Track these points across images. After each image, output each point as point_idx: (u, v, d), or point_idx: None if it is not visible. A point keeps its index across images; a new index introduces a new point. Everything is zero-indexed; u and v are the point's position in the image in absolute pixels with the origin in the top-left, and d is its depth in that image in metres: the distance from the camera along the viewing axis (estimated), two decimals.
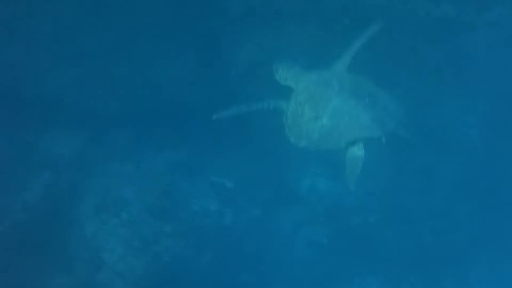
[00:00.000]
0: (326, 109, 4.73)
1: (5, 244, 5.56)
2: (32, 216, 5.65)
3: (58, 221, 5.65)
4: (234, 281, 5.67)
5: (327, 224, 5.74)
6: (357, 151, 4.83)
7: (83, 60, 5.73)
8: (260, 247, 5.74)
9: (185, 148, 5.86)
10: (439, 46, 5.86)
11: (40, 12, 5.77)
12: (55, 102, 5.74)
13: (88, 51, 5.75)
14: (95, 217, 5.68)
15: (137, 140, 5.83)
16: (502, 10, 5.75)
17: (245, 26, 5.91)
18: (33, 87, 5.83)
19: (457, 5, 5.74)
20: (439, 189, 5.76)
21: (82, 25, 5.75)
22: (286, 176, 5.80)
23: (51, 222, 5.63)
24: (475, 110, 5.84)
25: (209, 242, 5.73)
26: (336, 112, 4.73)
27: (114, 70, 5.79)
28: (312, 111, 4.77)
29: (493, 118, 5.82)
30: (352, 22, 5.79)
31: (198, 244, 5.73)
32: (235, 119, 5.68)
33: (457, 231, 5.67)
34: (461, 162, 5.75)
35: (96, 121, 5.80)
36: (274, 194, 5.80)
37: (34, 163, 5.77)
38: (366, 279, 5.79)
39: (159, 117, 5.82)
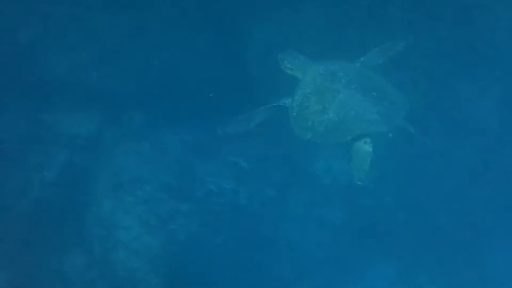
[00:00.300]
0: (333, 102, 4.70)
1: (22, 222, 5.63)
2: (49, 195, 5.71)
3: (75, 199, 5.71)
4: (248, 261, 5.71)
5: (341, 205, 5.75)
6: (364, 145, 4.80)
7: (100, 40, 5.78)
8: (274, 228, 5.77)
9: (201, 129, 5.87)
10: (457, 29, 5.82)
11: None
12: (72, 82, 5.78)
13: (105, 31, 5.79)
14: (111, 196, 5.73)
15: (153, 121, 5.86)
16: None
17: (262, 7, 5.92)
18: (50, 67, 5.88)
19: None
20: (455, 173, 5.75)
21: (100, 5, 5.78)
22: (301, 157, 5.81)
23: (68, 200, 5.69)
24: (493, 93, 5.80)
25: (224, 222, 5.77)
26: (343, 105, 4.70)
27: (131, 51, 5.83)
28: (318, 104, 4.73)
29: (511, 101, 5.76)
30: (370, 2, 5.76)
31: (213, 223, 5.77)
32: (251, 100, 5.72)
33: (472, 214, 5.67)
34: (477, 146, 5.73)
35: (113, 101, 5.84)
36: (288, 175, 5.83)
37: (51, 142, 5.81)
38: (380, 261, 5.80)
39: (175, 98, 5.85)
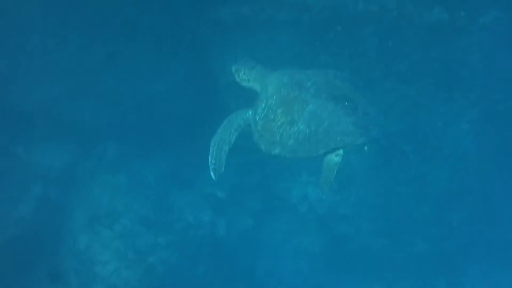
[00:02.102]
0: (302, 113, 4.25)
1: None
2: (24, 229, 5.68)
3: (51, 234, 5.68)
4: None
5: (319, 233, 5.77)
6: (335, 157, 4.37)
7: (72, 73, 5.68)
8: (252, 257, 5.78)
9: (176, 159, 5.86)
10: (432, 52, 5.75)
11: (30, 25, 5.66)
12: (45, 115, 5.72)
13: (77, 64, 5.69)
14: (87, 230, 5.70)
15: (128, 152, 5.84)
16: (496, 14, 5.63)
17: (236, 35, 5.81)
18: (22, 99, 5.79)
19: (450, 10, 5.63)
20: (432, 197, 5.76)
21: (72, 38, 5.67)
22: (277, 185, 5.78)
23: (44, 235, 5.67)
24: (469, 116, 5.76)
25: (203, 254, 5.78)
26: (314, 116, 4.25)
27: (103, 82, 5.75)
28: (286, 116, 4.27)
29: (487, 125, 5.75)
30: (344, 29, 5.68)
31: (193, 256, 5.78)
32: None
33: (449, 239, 5.69)
34: (454, 170, 5.73)
35: (86, 133, 5.79)
36: (266, 204, 5.82)
37: (25, 176, 5.77)
38: (359, 286, 5.80)
39: (149, 129, 5.80)
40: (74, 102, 5.76)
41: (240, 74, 4.65)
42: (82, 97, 5.77)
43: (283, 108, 4.25)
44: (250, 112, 4.51)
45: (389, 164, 5.74)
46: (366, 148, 4.38)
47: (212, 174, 4.30)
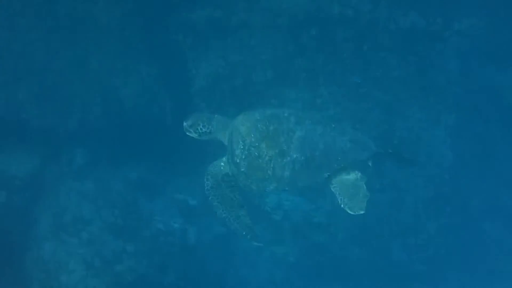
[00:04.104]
0: (291, 142, 4.07)
1: None
2: None
3: (14, 242, 5.48)
4: None
5: (293, 242, 5.61)
6: (348, 176, 4.19)
7: (39, 76, 5.54)
8: (224, 266, 5.61)
9: (146, 166, 5.74)
10: (407, 58, 5.69)
11: None
12: (9, 119, 5.55)
13: (44, 67, 5.55)
14: (53, 238, 5.49)
15: (96, 158, 5.71)
16: (472, 20, 5.61)
17: (208, 38, 5.69)
18: None
19: (425, 16, 5.60)
20: (409, 205, 5.63)
21: (38, 40, 5.51)
22: (251, 193, 5.57)
23: (7, 243, 5.45)
24: (445, 123, 5.67)
25: (173, 262, 5.60)
26: (305, 142, 4.08)
27: (71, 86, 5.61)
28: (273, 149, 4.07)
29: (464, 131, 5.69)
30: (319, 33, 5.58)
31: (162, 264, 5.60)
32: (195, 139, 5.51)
33: (426, 248, 5.55)
34: (431, 177, 5.63)
35: (53, 139, 5.65)
36: None
37: None
38: None
39: (118, 134, 5.68)
40: (41, 107, 5.59)
41: (199, 128, 4.42)
42: (49, 102, 5.61)
43: (266, 142, 4.06)
44: (222, 163, 4.34)
45: (364, 171, 5.59)
46: (370, 163, 4.29)
47: (255, 243, 4.18)
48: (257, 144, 4.10)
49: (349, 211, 4.20)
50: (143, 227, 5.62)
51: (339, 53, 5.74)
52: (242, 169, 4.13)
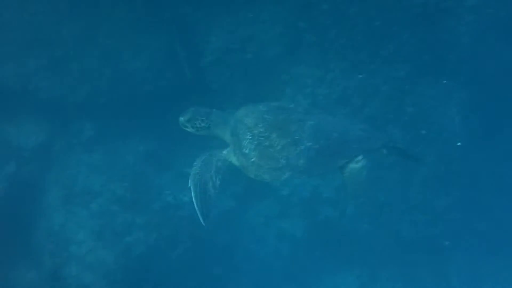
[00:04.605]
0: (303, 131, 4.00)
1: None
2: None
3: (24, 213, 5.56)
4: (206, 274, 5.60)
5: (301, 217, 5.62)
6: (356, 164, 4.10)
7: (48, 47, 5.53)
8: (232, 240, 5.62)
9: (155, 139, 5.75)
10: (419, 34, 5.59)
11: None
12: (18, 91, 5.56)
13: (54, 39, 5.54)
14: (62, 209, 5.57)
15: (105, 131, 5.73)
16: None
17: (219, 13, 5.63)
18: None
19: None
20: (418, 181, 5.58)
21: (49, 12, 5.51)
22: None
23: (17, 214, 5.55)
24: (456, 100, 5.61)
25: (182, 234, 5.62)
26: (318, 131, 4.01)
27: (80, 59, 5.60)
28: (284, 138, 3.99)
29: (475, 108, 5.61)
30: (330, 7, 5.53)
31: (171, 236, 5.64)
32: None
33: (435, 224, 5.53)
34: (440, 154, 5.54)
35: (62, 111, 5.67)
36: (247, 186, 5.64)
37: None
38: (342, 272, 5.73)
39: (128, 108, 5.67)
40: (50, 79, 5.60)
41: (197, 123, 4.29)
42: (58, 74, 5.62)
43: (277, 132, 3.98)
44: (225, 152, 4.24)
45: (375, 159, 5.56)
46: (385, 151, 4.22)
47: (200, 219, 4.05)
48: (266, 134, 4.02)
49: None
50: (152, 200, 5.65)
51: (350, 28, 5.69)
52: (252, 159, 4.05)
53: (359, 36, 5.66)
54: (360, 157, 4.10)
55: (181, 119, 4.31)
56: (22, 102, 5.56)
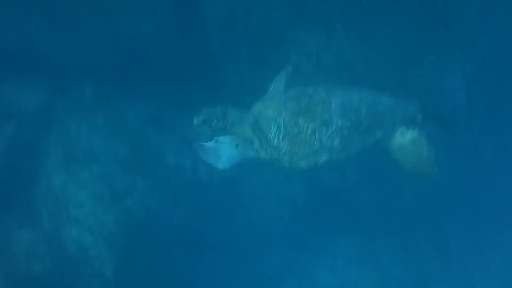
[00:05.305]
0: (330, 111, 3.93)
1: None
2: None
3: (25, 174, 5.51)
4: (207, 239, 5.61)
5: (302, 184, 5.61)
6: (402, 137, 4.09)
7: (51, 8, 5.39)
8: (234, 206, 5.62)
9: (158, 103, 5.67)
10: (427, 3, 5.50)
11: None
12: (20, 52, 5.44)
13: (57, 0, 5.33)
14: (63, 170, 5.51)
15: (107, 93, 5.64)
16: None
17: None
18: None
19: None
20: None
21: None
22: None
23: (17, 175, 5.49)
24: (462, 71, 5.56)
25: (183, 199, 5.63)
26: (346, 108, 3.94)
27: (83, 22, 5.45)
28: (313, 121, 3.92)
29: (481, 80, 5.56)
30: None
31: (172, 201, 5.65)
32: (209, 75, 5.41)
33: (436, 194, 5.52)
34: (445, 124, 5.49)
35: (65, 72, 5.55)
36: None
37: None
38: (341, 239, 5.75)
39: (131, 70, 5.57)
40: (51, 40, 5.45)
41: (213, 124, 4.18)
42: (60, 35, 5.46)
43: (304, 117, 3.93)
44: (252, 151, 4.20)
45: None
46: (419, 116, 4.22)
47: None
48: (293, 121, 3.93)
49: (420, 175, 4.16)
50: (154, 164, 5.61)
51: None
52: (284, 150, 3.98)
53: (366, 5, 5.60)
54: (403, 129, 4.09)
55: (195, 121, 4.20)
56: (23, 63, 5.43)
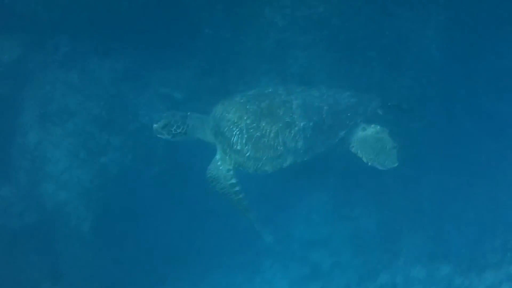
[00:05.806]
0: (293, 113, 3.88)
1: None
2: None
3: (0, 131, 5.42)
4: (181, 195, 5.58)
5: None
6: (363, 132, 4.10)
7: None
8: (207, 161, 5.54)
9: (132, 59, 5.68)
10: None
11: None
12: None
13: None
14: (38, 127, 5.55)
15: (82, 48, 5.65)
16: None
17: None
18: None
19: None
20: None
21: None
22: (237, 89, 5.53)
23: None
24: (435, 23, 5.57)
25: (158, 155, 5.63)
26: (308, 108, 3.89)
27: None
28: (275, 123, 3.86)
29: (454, 32, 5.57)
30: None
31: (146, 157, 5.67)
32: (184, 31, 5.38)
33: (408, 148, 5.47)
34: (417, 77, 5.54)
35: (38, 26, 5.56)
36: None
37: None
38: (316, 194, 5.75)
39: (105, 25, 5.56)
40: None
41: (172, 130, 4.17)
42: None
43: (266, 120, 3.87)
44: (219, 162, 4.18)
45: (352, 70, 5.51)
46: (380, 111, 4.22)
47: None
48: (254, 124, 3.86)
49: (380, 168, 4.11)
50: (128, 121, 5.63)
51: None
52: (248, 154, 3.90)
53: None
54: (364, 125, 4.09)
55: (155, 126, 4.17)
56: None
